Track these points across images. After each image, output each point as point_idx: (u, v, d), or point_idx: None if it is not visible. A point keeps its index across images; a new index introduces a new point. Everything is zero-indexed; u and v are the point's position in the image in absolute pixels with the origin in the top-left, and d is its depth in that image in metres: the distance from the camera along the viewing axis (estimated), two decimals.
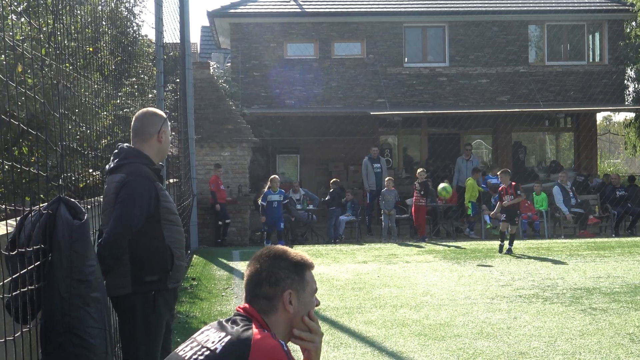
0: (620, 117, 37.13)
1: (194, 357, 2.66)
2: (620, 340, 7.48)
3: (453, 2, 25.67)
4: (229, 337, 2.66)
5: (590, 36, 26.10)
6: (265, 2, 25.38)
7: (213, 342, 2.67)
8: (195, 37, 43.70)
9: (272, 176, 15.09)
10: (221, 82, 21.79)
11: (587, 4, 25.91)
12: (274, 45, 24.66)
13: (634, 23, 25.88)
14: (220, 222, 17.56)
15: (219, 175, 17.96)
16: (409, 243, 16.95)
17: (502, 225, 15.14)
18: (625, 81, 26.48)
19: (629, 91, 26.84)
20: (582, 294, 9.99)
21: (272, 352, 2.61)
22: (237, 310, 2.84)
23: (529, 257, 13.88)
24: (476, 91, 25.02)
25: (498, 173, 16.17)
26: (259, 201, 15.45)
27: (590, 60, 25.97)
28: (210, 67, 20.18)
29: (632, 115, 28.47)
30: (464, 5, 25.48)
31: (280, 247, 2.96)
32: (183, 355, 2.71)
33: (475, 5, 25.50)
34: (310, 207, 20.13)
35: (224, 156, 18.82)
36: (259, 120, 22.82)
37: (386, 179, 19.08)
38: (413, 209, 18.37)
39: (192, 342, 2.76)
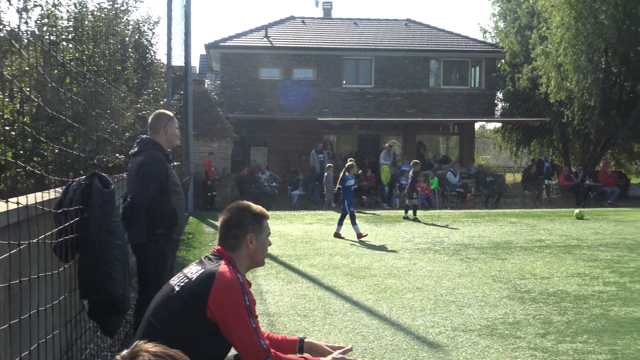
0: (491, 125, 37.71)
1: (178, 283, 2.67)
2: (486, 280, 7.63)
3: (378, 42, 25.75)
4: (202, 269, 2.68)
5: (473, 69, 26.36)
6: (245, 38, 25.26)
7: (192, 273, 2.69)
8: (195, 61, 42.91)
9: (350, 163, 12.44)
10: (213, 94, 21.53)
11: (471, 46, 26.40)
12: (251, 69, 24.51)
13: (502, 60, 26.43)
14: (209, 194, 17.43)
15: (211, 160, 17.83)
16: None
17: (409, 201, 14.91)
18: (495, 101, 26.98)
19: (497, 108, 27.37)
20: (461, 248, 10.14)
21: (230, 281, 2.61)
22: (213, 251, 2.84)
23: (425, 223, 14.04)
24: (392, 105, 25.15)
25: (411, 163, 15.63)
26: (337, 185, 12.59)
27: (472, 85, 26.25)
28: (205, 84, 19.90)
29: (499, 125, 29.10)
30: (385, 45, 25.58)
31: (245, 202, 2.95)
32: (172, 283, 2.72)
33: (393, 45, 25.61)
34: (274, 184, 20.13)
35: (213, 147, 18.62)
36: (238, 122, 22.61)
37: (327, 165, 18.91)
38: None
39: (179, 274, 2.76)
